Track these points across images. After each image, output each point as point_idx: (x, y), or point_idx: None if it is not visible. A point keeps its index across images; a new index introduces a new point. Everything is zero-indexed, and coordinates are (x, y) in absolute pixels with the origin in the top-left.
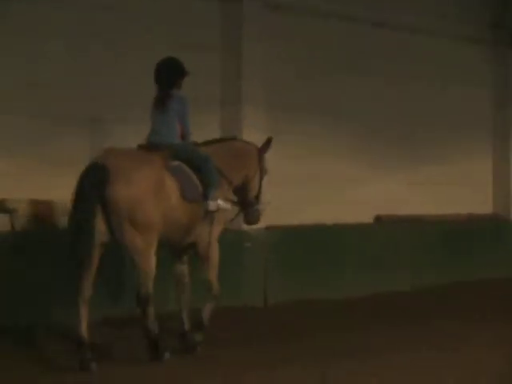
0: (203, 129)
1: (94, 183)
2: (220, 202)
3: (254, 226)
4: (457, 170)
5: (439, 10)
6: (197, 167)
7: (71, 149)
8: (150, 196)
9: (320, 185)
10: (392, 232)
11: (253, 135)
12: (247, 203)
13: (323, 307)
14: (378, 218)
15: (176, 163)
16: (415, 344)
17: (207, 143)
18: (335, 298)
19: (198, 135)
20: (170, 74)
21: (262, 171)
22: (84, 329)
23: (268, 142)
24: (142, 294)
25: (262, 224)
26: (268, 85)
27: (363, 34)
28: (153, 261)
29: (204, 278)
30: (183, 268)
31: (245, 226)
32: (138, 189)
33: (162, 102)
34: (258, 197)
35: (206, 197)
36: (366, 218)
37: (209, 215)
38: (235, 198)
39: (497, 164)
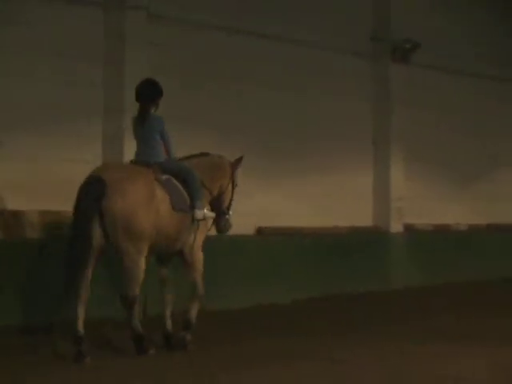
0: (85, 138)
1: (93, 195)
2: (206, 211)
3: None
4: (339, 182)
5: (321, 23)
6: (183, 180)
7: None
8: (143, 207)
9: None
10: (272, 244)
11: (134, 144)
12: (220, 212)
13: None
14: (259, 230)
15: (165, 177)
16: (291, 355)
17: (187, 158)
18: (215, 310)
19: (78, 145)
20: (149, 94)
21: (234, 184)
22: (81, 325)
23: (240, 159)
24: (130, 296)
25: None
26: None
27: (248, 45)
28: (142, 267)
29: (190, 281)
30: (167, 271)
31: None
32: (132, 200)
33: (142, 120)
34: (228, 207)
35: (193, 207)
36: (249, 230)
37: (194, 224)
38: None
39: (377, 177)
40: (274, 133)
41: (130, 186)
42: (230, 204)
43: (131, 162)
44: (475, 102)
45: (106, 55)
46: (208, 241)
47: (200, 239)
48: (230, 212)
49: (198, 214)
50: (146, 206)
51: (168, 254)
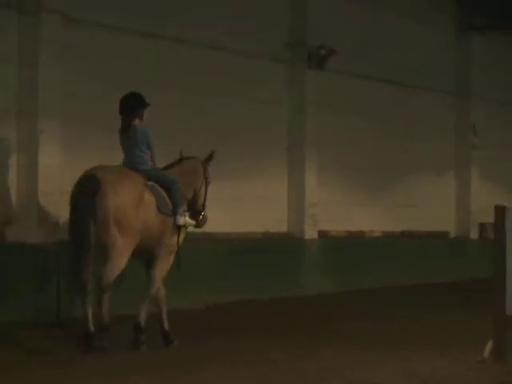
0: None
1: (88, 191)
2: (187, 218)
3: None
4: (253, 187)
5: (238, 28)
6: (167, 189)
7: None
8: (133, 206)
9: None
10: (184, 249)
11: (49, 148)
12: (196, 211)
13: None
14: None
15: (151, 183)
16: (201, 359)
17: (167, 167)
18: (129, 315)
19: None
20: (132, 106)
21: (207, 182)
22: (91, 322)
23: (210, 156)
24: (104, 283)
25: None
26: (66, 99)
27: (164, 50)
28: (125, 261)
29: (149, 279)
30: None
31: None
32: (124, 198)
33: (126, 131)
34: (203, 204)
35: (174, 213)
36: None
37: (175, 228)
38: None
39: (291, 183)
40: (189, 138)
41: (122, 185)
42: (204, 200)
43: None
44: (392, 109)
45: (20, 58)
46: None
47: (181, 241)
48: (205, 207)
49: (180, 220)
50: (135, 205)
51: (151, 257)
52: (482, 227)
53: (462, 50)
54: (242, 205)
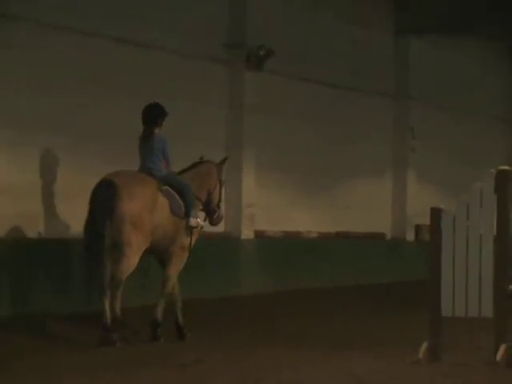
0: None
1: (106, 195)
2: (198, 220)
3: None
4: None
5: (176, 27)
6: (180, 192)
7: None
8: (147, 208)
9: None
10: None
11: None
12: (211, 211)
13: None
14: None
15: (165, 187)
16: (141, 361)
17: (182, 172)
18: (35, 313)
19: None
20: (154, 116)
21: (221, 183)
22: (108, 315)
23: (224, 159)
24: (117, 279)
25: None
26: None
27: (103, 49)
28: (138, 259)
29: (163, 278)
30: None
31: None
32: (139, 201)
33: (146, 139)
34: (218, 204)
35: (187, 215)
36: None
37: (188, 228)
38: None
39: (229, 183)
40: (125, 138)
41: (138, 189)
42: (219, 200)
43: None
44: (330, 111)
45: None
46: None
47: (188, 242)
48: (221, 207)
49: (192, 221)
50: (149, 207)
51: (165, 256)
52: (418, 229)
53: (400, 52)
54: None
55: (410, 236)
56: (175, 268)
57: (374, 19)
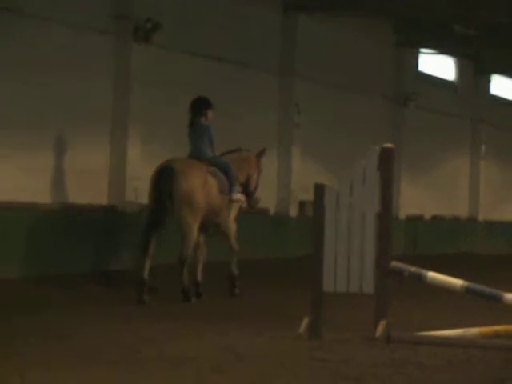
0: None
1: (166, 178)
2: (239, 195)
3: None
4: (73, 158)
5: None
6: (224, 171)
7: None
8: (200, 188)
9: None
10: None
11: None
12: (249, 193)
13: None
14: None
15: (212, 168)
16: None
17: (224, 154)
18: None
19: None
20: (199, 107)
21: (259, 171)
22: (146, 273)
23: (263, 151)
24: (184, 255)
25: None
26: None
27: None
28: (196, 233)
29: (228, 244)
30: (202, 238)
31: None
32: (193, 183)
33: (193, 127)
34: (255, 189)
35: (230, 191)
36: None
37: (230, 203)
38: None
39: (114, 155)
40: (10, 114)
41: (191, 173)
42: (256, 186)
43: (188, 157)
44: (216, 86)
45: None
46: None
47: (234, 214)
48: (256, 191)
49: (234, 196)
50: (201, 188)
51: (210, 225)
52: (302, 205)
53: (287, 29)
54: (64, 175)
55: (294, 212)
56: (231, 233)
57: None
